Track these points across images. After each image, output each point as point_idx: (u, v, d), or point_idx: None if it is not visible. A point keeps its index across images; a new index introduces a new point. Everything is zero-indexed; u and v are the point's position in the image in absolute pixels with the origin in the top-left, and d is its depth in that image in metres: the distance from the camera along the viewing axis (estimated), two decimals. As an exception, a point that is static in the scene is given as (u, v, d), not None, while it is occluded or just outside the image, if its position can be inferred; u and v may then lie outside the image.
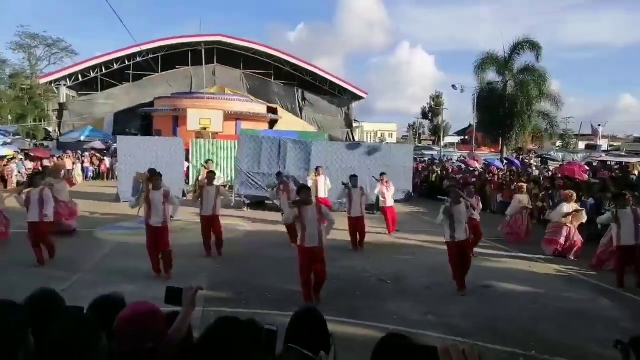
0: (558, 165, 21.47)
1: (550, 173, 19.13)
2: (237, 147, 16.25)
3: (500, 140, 25.34)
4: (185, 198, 14.22)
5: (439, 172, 22.08)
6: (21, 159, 21.64)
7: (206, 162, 14.30)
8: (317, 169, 13.04)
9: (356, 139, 43.70)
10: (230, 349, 1.78)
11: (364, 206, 10.12)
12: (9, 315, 1.59)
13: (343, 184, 10.49)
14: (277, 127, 37.50)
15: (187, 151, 18.24)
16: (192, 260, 8.02)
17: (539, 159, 28.00)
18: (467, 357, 1.01)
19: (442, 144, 45.86)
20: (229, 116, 32.33)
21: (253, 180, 14.73)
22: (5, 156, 21.35)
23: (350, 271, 7.86)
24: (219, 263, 8.23)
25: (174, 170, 15.36)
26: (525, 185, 12.62)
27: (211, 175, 9.04)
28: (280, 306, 5.66)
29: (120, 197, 14.51)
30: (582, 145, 44.21)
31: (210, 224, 8.68)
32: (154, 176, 7.63)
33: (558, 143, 42.25)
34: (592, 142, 39.85)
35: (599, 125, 39.11)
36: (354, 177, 10.31)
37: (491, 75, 25.66)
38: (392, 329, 5.16)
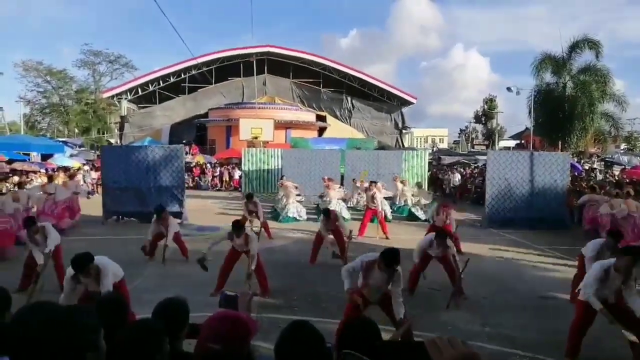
0: (622, 169, 20.27)
1: (615, 178, 18.11)
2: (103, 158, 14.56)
3: (560, 144, 24.21)
4: None
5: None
6: (87, 170, 23.00)
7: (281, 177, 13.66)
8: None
9: (406, 144, 43.17)
10: (308, 351, 1.82)
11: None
12: (78, 318, 1.67)
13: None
14: (325, 135, 37.78)
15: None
16: (245, 266, 8.16)
17: (602, 162, 26.55)
18: (452, 345, 1.08)
19: (497, 148, 44.39)
20: (279, 125, 32.94)
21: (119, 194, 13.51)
22: (73, 167, 22.74)
23: (402, 279, 7.73)
24: (271, 269, 8.33)
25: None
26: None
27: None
28: (333, 314, 5.67)
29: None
30: (650, 147, 41.44)
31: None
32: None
33: (623, 146, 39.84)
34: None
35: (669, 126, 36.53)
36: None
37: (548, 77, 24.67)
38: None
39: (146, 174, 13.66)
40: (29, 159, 23.12)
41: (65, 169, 20.69)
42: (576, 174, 20.44)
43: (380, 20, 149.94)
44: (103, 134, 41.30)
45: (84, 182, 20.83)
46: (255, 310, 5.79)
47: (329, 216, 9.03)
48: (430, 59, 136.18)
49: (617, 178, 17.67)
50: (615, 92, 23.28)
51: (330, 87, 42.45)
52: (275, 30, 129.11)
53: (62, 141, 31.05)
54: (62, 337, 1.51)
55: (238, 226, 6.97)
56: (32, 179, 17.13)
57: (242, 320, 1.93)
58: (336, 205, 14.42)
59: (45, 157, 23.93)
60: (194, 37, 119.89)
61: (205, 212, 15.53)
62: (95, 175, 22.80)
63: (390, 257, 4.70)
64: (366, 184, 15.09)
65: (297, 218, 14.16)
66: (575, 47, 23.34)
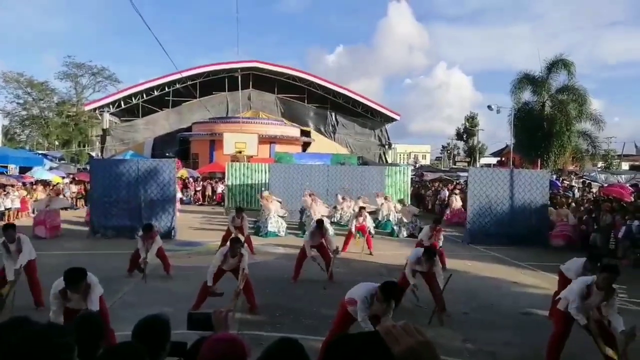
0: (599, 187, 20.73)
1: (593, 195, 18.50)
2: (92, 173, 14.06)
3: (539, 162, 24.69)
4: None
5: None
6: (67, 183, 22.60)
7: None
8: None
9: (389, 160, 43.53)
10: None
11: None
12: (54, 337, 1.65)
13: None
14: (310, 150, 37.90)
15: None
16: (228, 283, 8.07)
17: (581, 180, 27.13)
18: (407, 333, 1.08)
19: (478, 165, 45.00)
20: (263, 140, 32.94)
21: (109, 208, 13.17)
22: (52, 181, 22.32)
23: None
24: (253, 285, 8.24)
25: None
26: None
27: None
28: (316, 331, 5.64)
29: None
30: (625, 166, 42.48)
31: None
32: None
33: (600, 164, 40.76)
34: (636, 163, 38.26)
35: (644, 144, 37.57)
36: None
37: (528, 96, 25.27)
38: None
39: (136, 188, 13.24)
40: (7, 172, 22.64)
41: (45, 183, 20.30)
42: (555, 191, 20.83)
43: (366, 37, 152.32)
44: (84, 146, 40.75)
45: (64, 195, 20.47)
46: (233, 327, 5.74)
47: (321, 227, 8.93)
48: (414, 76, 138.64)
49: (594, 196, 18.06)
50: (592, 112, 23.91)
51: (315, 102, 42.74)
52: (262, 46, 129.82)
53: (42, 154, 30.53)
54: (38, 355, 1.49)
55: (237, 245, 6.82)
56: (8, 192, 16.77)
57: (237, 341, 1.93)
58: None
59: (23, 170, 23.46)
60: (179, 51, 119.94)
61: (188, 227, 15.36)
62: (75, 188, 22.43)
63: (389, 291, 4.72)
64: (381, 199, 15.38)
65: (277, 233, 14.10)
66: (552, 67, 24.00)
